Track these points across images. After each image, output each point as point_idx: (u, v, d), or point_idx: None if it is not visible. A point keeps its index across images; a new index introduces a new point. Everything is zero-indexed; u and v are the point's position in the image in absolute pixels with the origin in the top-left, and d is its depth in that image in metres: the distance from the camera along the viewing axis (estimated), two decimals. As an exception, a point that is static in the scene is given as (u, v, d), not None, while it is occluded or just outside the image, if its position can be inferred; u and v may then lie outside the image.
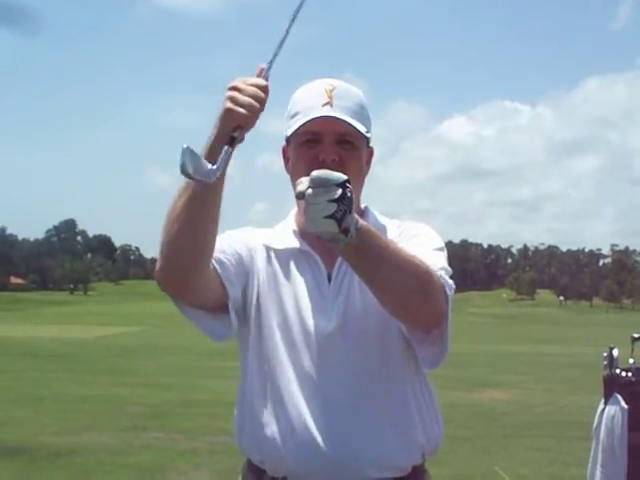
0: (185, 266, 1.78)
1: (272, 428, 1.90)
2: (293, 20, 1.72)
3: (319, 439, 1.86)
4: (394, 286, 1.72)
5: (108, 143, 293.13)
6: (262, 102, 1.65)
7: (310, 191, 1.54)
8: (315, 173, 1.55)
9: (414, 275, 1.73)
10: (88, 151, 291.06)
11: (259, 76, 1.69)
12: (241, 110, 1.62)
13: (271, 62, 1.70)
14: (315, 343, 1.90)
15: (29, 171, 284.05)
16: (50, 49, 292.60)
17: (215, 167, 1.62)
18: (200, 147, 1.67)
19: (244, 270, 1.95)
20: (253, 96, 1.64)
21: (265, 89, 1.66)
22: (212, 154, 1.64)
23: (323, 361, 1.90)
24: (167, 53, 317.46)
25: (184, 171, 1.58)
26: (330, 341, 1.90)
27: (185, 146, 1.57)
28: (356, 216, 1.59)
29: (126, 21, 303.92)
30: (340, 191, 1.54)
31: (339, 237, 1.56)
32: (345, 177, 1.56)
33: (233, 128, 1.64)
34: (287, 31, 1.71)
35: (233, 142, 1.65)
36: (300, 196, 1.56)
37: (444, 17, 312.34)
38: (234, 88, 1.65)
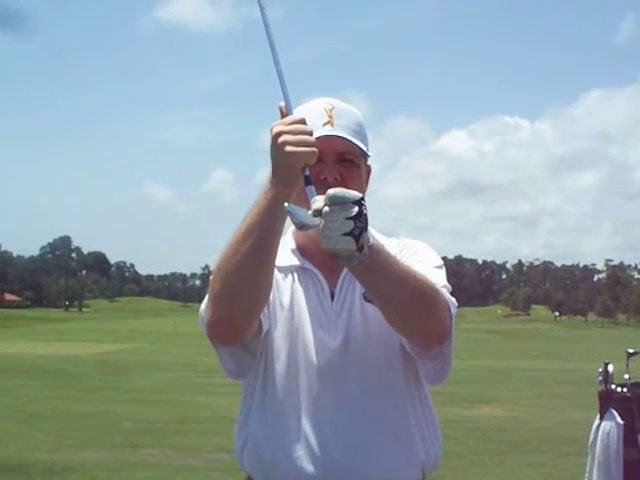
0: (247, 316, 1.81)
1: (275, 448, 1.90)
2: (274, 51, 1.73)
3: (322, 457, 1.87)
4: (401, 303, 1.75)
5: (104, 159, 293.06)
6: (311, 134, 1.67)
7: (327, 209, 1.56)
8: (332, 191, 1.57)
9: (421, 293, 1.76)
10: (83, 167, 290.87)
11: (285, 114, 1.70)
12: (302, 149, 1.63)
13: (285, 96, 1.72)
14: (319, 360, 1.92)
15: (24, 187, 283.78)
16: (47, 61, 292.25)
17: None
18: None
19: None
20: (303, 132, 1.65)
21: (304, 121, 1.68)
22: (282, 201, 1.65)
23: (327, 378, 1.91)
24: (167, 67, 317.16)
25: (303, 227, 1.60)
26: (334, 358, 1.92)
27: (286, 205, 1.60)
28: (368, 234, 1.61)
29: (127, 35, 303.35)
30: (357, 208, 1.55)
31: (355, 255, 1.58)
32: (360, 195, 1.58)
33: (302, 168, 1.66)
34: (275, 61, 1.73)
35: (310, 180, 1.66)
36: (316, 214, 1.57)
37: (444, 32, 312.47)
38: (281, 133, 1.65)
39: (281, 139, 1.64)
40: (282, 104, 1.72)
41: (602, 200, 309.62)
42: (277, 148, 1.64)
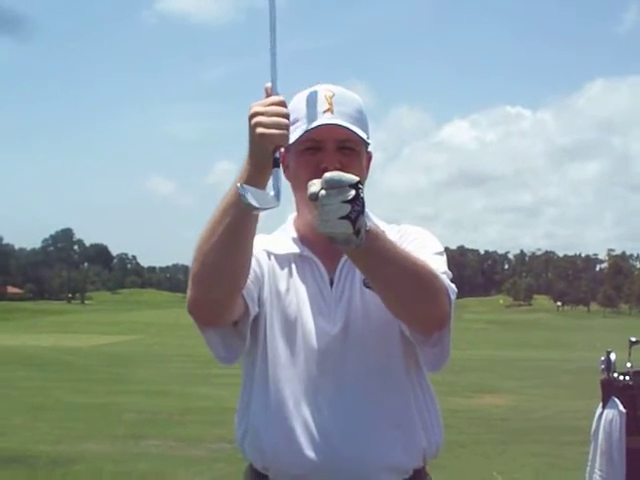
0: (225, 297, 1.80)
1: (275, 436, 1.91)
2: (273, 32, 1.72)
3: (322, 445, 1.87)
4: (400, 288, 1.75)
5: (106, 151, 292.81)
6: (287, 116, 1.66)
7: (324, 192, 1.56)
8: (328, 175, 1.57)
9: (419, 278, 1.75)
10: (85, 159, 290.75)
11: (269, 95, 1.69)
12: (273, 131, 1.62)
13: (273, 78, 1.71)
14: (319, 347, 1.92)
15: (25, 180, 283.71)
16: (49, 55, 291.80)
17: (275, 192, 1.65)
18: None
19: (257, 281, 1.94)
20: (278, 114, 1.64)
21: (284, 104, 1.67)
22: (254, 182, 1.65)
23: (326, 365, 1.91)
24: (170, 60, 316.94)
25: (251, 207, 1.60)
26: (334, 345, 1.92)
27: (239, 185, 1.60)
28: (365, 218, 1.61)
29: (130, 28, 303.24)
30: (353, 192, 1.56)
31: (352, 238, 1.58)
32: (357, 178, 1.58)
33: (273, 150, 1.65)
34: (272, 43, 1.71)
35: (278, 163, 1.67)
36: (313, 197, 1.57)
37: (447, 22, 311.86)
38: (256, 114, 1.64)
39: (255, 120, 1.64)
40: (268, 85, 1.71)
41: (604, 190, 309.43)
42: (251, 129, 1.64)
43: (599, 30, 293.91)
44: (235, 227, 1.70)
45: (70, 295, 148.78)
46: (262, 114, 1.64)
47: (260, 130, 1.63)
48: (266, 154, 1.65)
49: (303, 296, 1.96)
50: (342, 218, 1.55)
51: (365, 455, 1.88)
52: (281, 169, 1.69)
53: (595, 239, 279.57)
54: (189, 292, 1.81)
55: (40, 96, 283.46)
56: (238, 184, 1.60)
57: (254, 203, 1.59)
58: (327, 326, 1.93)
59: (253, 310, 1.91)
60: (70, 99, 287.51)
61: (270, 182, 1.69)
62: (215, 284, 1.76)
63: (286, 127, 1.64)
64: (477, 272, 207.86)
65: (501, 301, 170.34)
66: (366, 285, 1.85)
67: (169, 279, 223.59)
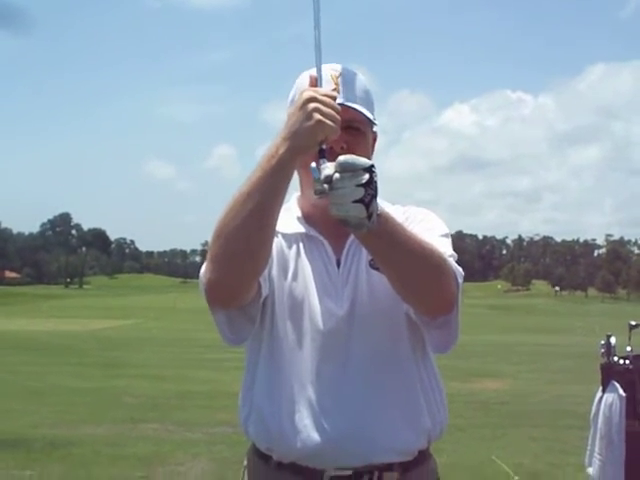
0: (246, 280, 1.78)
1: (280, 417, 1.89)
2: (318, 24, 1.72)
3: (327, 426, 1.86)
4: (409, 271, 1.73)
5: (104, 135, 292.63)
6: (339, 113, 1.64)
7: (338, 175, 1.55)
8: (342, 158, 1.56)
9: (428, 261, 1.74)
10: (83, 143, 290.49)
11: (314, 85, 1.69)
12: (329, 122, 1.61)
13: (318, 70, 1.71)
14: (325, 328, 1.90)
15: (24, 164, 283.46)
16: (51, 41, 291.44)
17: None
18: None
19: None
20: (333, 107, 1.63)
21: (335, 99, 1.66)
22: (285, 166, 1.64)
23: (332, 346, 1.89)
24: (170, 43, 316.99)
25: (322, 193, 1.57)
26: (340, 326, 1.90)
27: (314, 165, 1.59)
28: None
29: (132, 12, 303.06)
30: (367, 176, 1.54)
31: (365, 222, 1.56)
32: (371, 162, 1.57)
33: (321, 141, 1.63)
34: (317, 38, 1.72)
35: (324, 154, 1.63)
36: (327, 180, 1.56)
37: (447, 5, 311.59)
38: (314, 99, 1.62)
39: (314, 105, 1.61)
40: (314, 75, 1.71)
41: (604, 176, 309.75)
42: (307, 113, 1.61)
43: (601, 14, 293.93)
44: (260, 211, 1.68)
45: (68, 280, 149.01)
46: (320, 102, 1.62)
47: (319, 117, 1.60)
48: (312, 142, 1.63)
49: (310, 276, 1.95)
50: (356, 202, 1.54)
51: (369, 436, 1.87)
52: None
53: (594, 224, 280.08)
54: (207, 274, 1.78)
55: (40, 81, 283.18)
56: (312, 164, 1.60)
57: (327, 190, 1.57)
58: (334, 307, 1.91)
59: (265, 292, 1.89)
60: (70, 84, 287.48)
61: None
62: (236, 267, 1.73)
63: (339, 123, 1.63)
64: (475, 257, 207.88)
65: (499, 286, 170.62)
66: (372, 266, 1.83)
67: (167, 264, 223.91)
